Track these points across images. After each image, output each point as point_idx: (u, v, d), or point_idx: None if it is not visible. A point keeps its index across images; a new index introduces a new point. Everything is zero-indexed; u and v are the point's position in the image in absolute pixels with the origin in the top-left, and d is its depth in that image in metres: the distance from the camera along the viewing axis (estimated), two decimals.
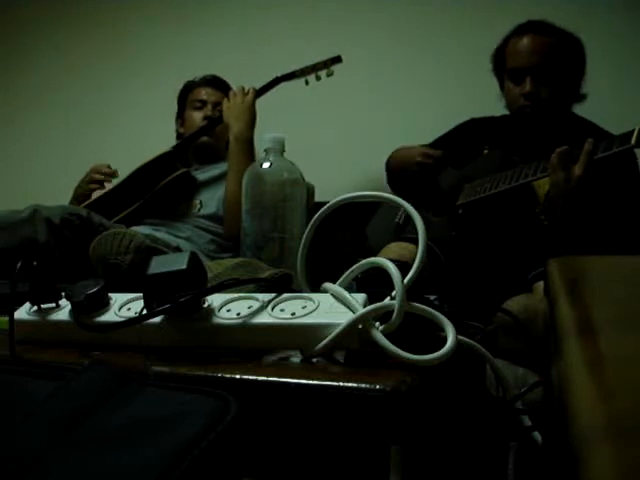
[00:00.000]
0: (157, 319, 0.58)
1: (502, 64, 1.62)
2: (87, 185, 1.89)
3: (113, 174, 1.89)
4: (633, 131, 1.27)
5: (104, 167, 1.90)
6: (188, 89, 2.06)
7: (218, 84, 2.03)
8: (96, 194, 1.89)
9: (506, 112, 1.70)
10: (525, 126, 1.58)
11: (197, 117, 1.97)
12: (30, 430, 0.40)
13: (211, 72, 2.08)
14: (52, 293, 0.64)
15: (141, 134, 2.39)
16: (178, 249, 1.43)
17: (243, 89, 1.82)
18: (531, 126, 1.57)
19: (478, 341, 0.64)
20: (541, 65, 1.52)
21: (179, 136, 2.05)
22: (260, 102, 1.89)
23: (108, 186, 1.89)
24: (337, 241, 1.72)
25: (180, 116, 2.07)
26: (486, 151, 1.67)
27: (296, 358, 0.57)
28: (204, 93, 2.01)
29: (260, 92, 1.86)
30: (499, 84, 1.66)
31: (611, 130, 1.56)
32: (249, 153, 1.76)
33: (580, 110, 1.63)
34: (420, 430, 0.52)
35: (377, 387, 0.47)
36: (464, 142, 1.74)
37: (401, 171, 1.77)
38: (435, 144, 1.82)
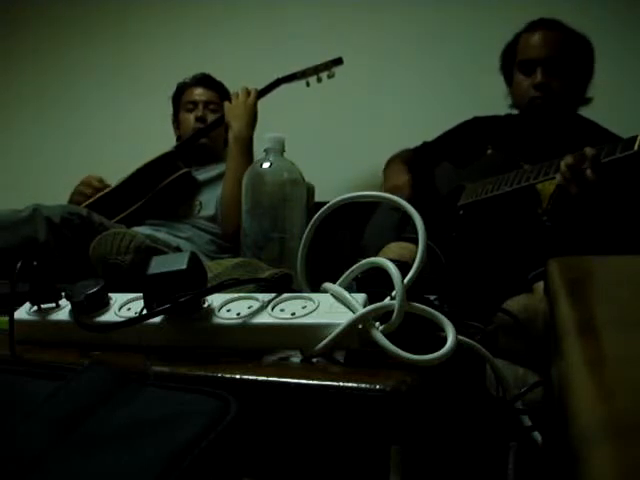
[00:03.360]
0: (157, 319, 0.58)
1: (512, 59, 1.62)
2: (76, 197, 1.88)
3: (101, 187, 1.88)
4: (636, 137, 1.26)
5: (94, 180, 1.89)
6: (180, 91, 2.06)
7: (209, 83, 2.02)
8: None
9: (510, 112, 1.70)
10: (535, 118, 1.57)
11: (190, 119, 1.97)
12: (30, 430, 0.40)
13: (213, 74, 2.08)
14: (52, 293, 0.64)
15: (142, 134, 2.39)
16: (178, 249, 1.43)
17: (247, 89, 1.82)
18: (541, 118, 1.56)
19: (478, 341, 0.64)
20: (552, 57, 1.52)
21: (178, 138, 2.05)
22: (261, 102, 1.89)
23: (112, 184, 1.89)
24: (337, 241, 1.72)
25: (176, 119, 2.07)
26: (489, 151, 1.67)
27: (296, 358, 0.57)
28: (195, 94, 2.01)
29: (261, 93, 1.86)
30: (506, 81, 1.66)
31: (613, 131, 1.56)
32: (248, 153, 1.75)
33: (582, 110, 1.63)
34: (420, 430, 0.52)
35: (377, 387, 0.47)
36: (467, 140, 1.74)
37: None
38: (438, 141, 1.82)
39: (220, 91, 2.02)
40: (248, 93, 1.80)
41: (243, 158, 1.73)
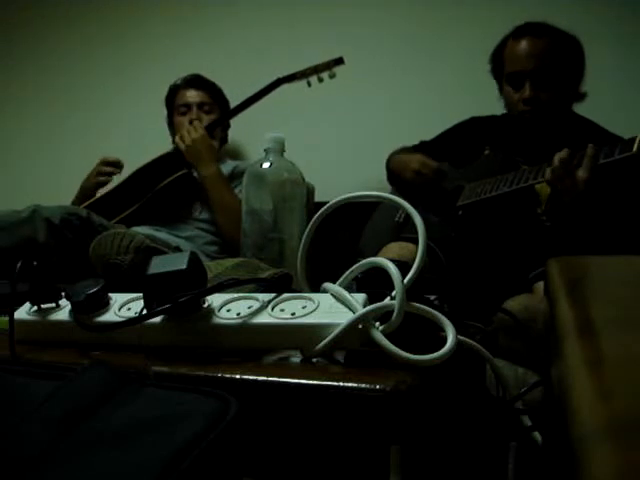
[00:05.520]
0: (157, 319, 0.58)
1: (500, 67, 1.61)
2: (95, 177, 1.89)
3: (119, 164, 1.90)
4: (635, 139, 1.26)
5: (111, 158, 1.91)
6: (172, 93, 2.06)
7: (200, 84, 2.02)
8: (100, 192, 1.90)
9: (506, 111, 1.70)
10: (526, 130, 1.58)
11: (184, 123, 1.96)
12: (30, 430, 0.40)
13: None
14: (52, 293, 0.64)
15: (142, 134, 2.39)
16: (178, 249, 1.43)
17: (192, 125, 1.85)
18: (532, 130, 1.56)
19: (478, 341, 0.64)
20: (540, 69, 1.51)
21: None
22: (261, 102, 1.89)
23: (111, 184, 1.90)
24: (337, 241, 1.72)
25: (170, 121, 2.07)
26: (487, 151, 1.67)
27: (296, 358, 0.57)
28: (188, 96, 2.00)
29: (260, 95, 1.86)
30: (498, 86, 1.66)
31: (612, 130, 1.56)
32: (223, 184, 1.79)
33: (582, 110, 1.63)
34: (420, 430, 0.52)
35: (377, 387, 0.47)
36: (465, 141, 1.74)
37: (397, 175, 1.78)
38: (436, 141, 1.82)
39: (212, 91, 2.02)
40: (195, 128, 1.84)
41: (221, 193, 1.78)
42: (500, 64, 1.61)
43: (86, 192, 1.90)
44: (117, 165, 1.91)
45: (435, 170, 1.66)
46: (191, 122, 1.93)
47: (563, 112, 1.57)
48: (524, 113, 1.54)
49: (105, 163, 1.91)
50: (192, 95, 2.00)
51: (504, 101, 1.63)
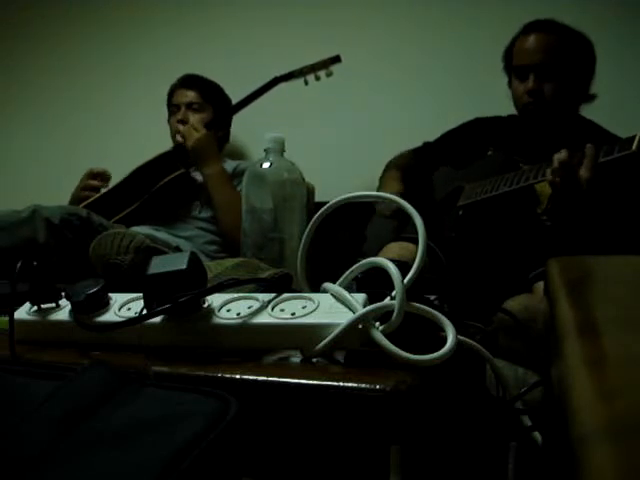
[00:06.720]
0: (157, 319, 0.58)
1: (510, 62, 1.63)
2: (81, 192, 1.88)
3: (107, 176, 1.89)
4: (634, 137, 1.26)
5: (97, 169, 1.90)
6: (170, 94, 2.06)
7: (190, 83, 2.02)
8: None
9: (512, 112, 1.70)
10: (528, 124, 1.58)
11: (173, 122, 1.97)
12: (30, 430, 0.40)
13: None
14: (52, 293, 0.64)
15: (141, 134, 2.39)
16: (178, 249, 1.43)
17: (192, 126, 1.85)
18: (534, 124, 1.57)
19: (478, 341, 0.64)
20: (545, 63, 1.52)
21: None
22: (260, 102, 1.89)
23: (111, 183, 1.89)
24: (337, 241, 1.72)
25: (169, 121, 2.08)
26: (490, 152, 1.67)
27: (296, 358, 0.57)
28: (179, 95, 2.01)
29: (257, 94, 1.86)
30: (508, 83, 1.67)
31: (613, 130, 1.56)
32: (226, 184, 1.80)
33: (582, 110, 1.63)
34: (420, 430, 0.52)
35: (377, 387, 0.47)
36: (468, 141, 1.74)
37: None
38: (439, 141, 1.82)
39: (203, 90, 2.01)
40: (195, 129, 1.84)
41: (223, 191, 1.78)
42: (510, 60, 1.62)
43: (75, 204, 1.89)
44: (104, 177, 1.89)
45: (395, 210, 1.62)
46: (182, 122, 1.93)
47: (568, 110, 1.57)
48: (528, 105, 1.55)
49: (91, 175, 1.89)
50: (182, 95, 2.00)
51: (512, 95, 1.64)
